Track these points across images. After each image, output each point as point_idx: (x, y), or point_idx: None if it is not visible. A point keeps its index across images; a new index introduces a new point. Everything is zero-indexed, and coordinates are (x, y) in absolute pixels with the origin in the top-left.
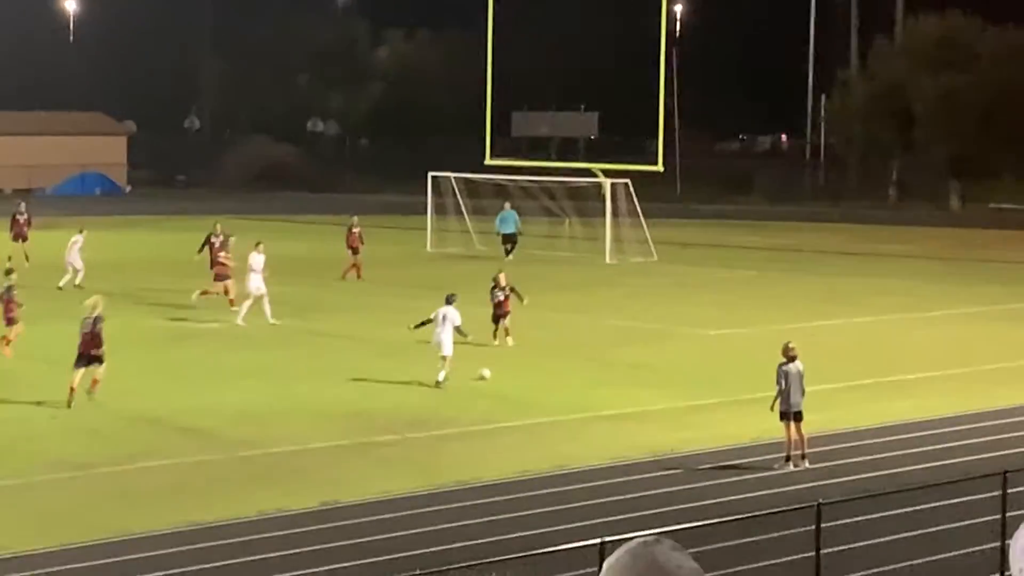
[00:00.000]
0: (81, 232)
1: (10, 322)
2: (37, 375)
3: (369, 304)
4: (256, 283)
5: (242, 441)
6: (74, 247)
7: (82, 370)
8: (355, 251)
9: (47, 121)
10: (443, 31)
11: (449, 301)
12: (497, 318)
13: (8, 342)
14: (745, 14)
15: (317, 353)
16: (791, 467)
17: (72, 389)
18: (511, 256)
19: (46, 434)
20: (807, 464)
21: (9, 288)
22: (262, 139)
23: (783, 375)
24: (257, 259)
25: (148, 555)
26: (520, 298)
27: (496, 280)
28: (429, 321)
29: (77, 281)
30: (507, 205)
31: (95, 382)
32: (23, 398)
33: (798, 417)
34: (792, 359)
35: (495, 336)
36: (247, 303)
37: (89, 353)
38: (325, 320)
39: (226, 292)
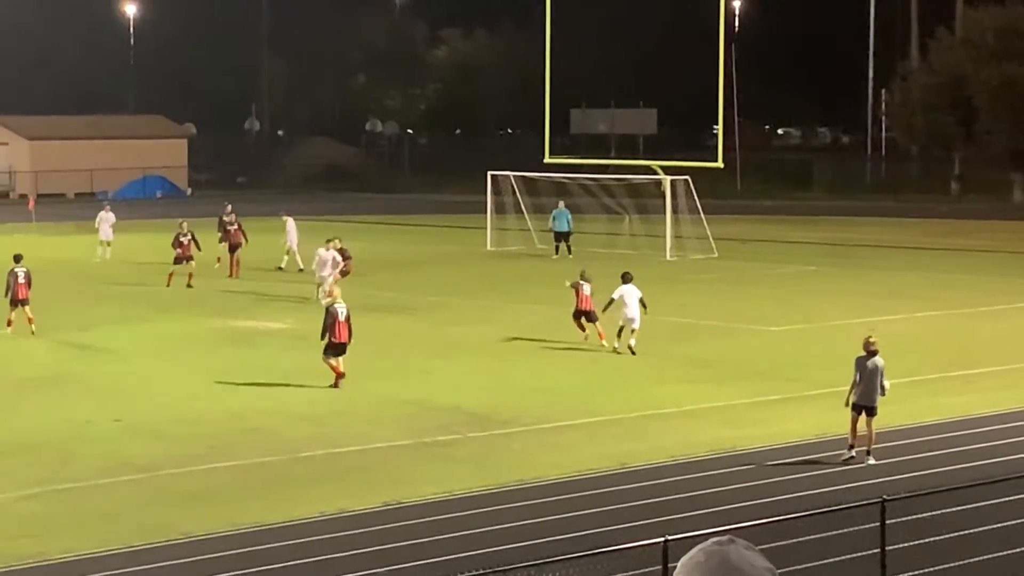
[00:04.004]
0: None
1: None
2: (98, 377)
3: (428, 303)
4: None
5: (303, 441)
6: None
7: (340, 358)
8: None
9: (108, 125)
10: (500, 30)
11: (627, 280)
12: (579, 315)
13: None
14: (803, 7)
15: (376, 353)
16: (852, 453)
17: (340, 374)
18: (571, 254)
19: (109, 436)
20: (872, 460)
21: None
22: (321, 140)
23: (860, 368)
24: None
25: (211, 557)
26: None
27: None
28: (613, 301)
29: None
30: (561, 203)
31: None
32: (87, 401)
33: (871, 412)
34: (872, 353)
35: (615, 339)
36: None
37: (346, 343)
38: (383, 319)
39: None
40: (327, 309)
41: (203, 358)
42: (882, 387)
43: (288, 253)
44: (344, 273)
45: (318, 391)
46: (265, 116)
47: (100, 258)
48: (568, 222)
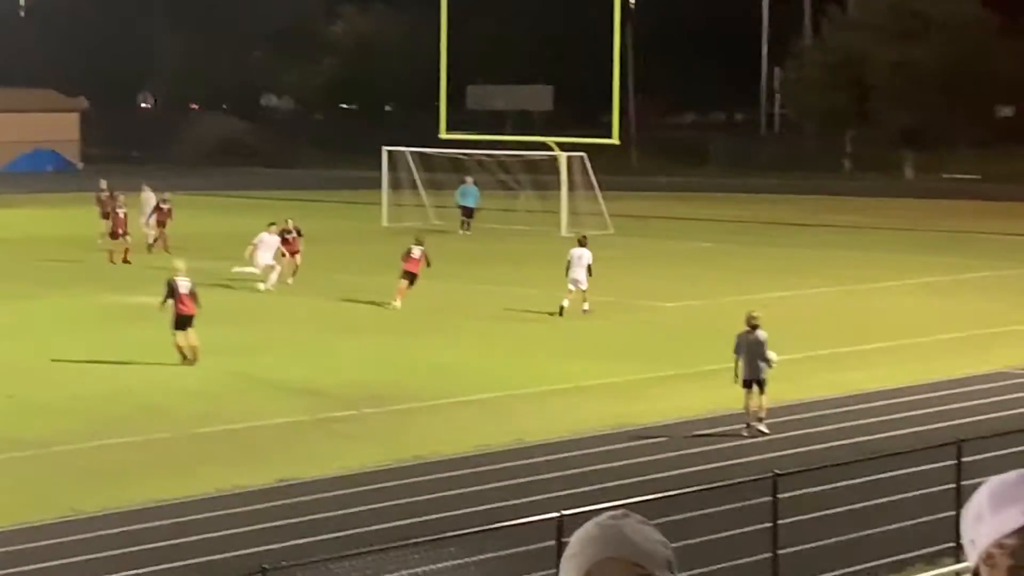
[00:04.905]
0: (270, 227)
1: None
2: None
3: (324, 280)
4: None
5: (198, 418)
6: (260, 245)
7: (185, 332)
8: (162, 225)
9: None
10: (399, 5)
11: (582, 243)
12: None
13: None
14: None
15: (272, 329)
16: (748, 433)
17: (181, 349)
18: (469, 230)
19: (1, 413)
20: (763, 428)
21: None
22: (216, 115)
23: (742, 342)
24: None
25: (104, 534)
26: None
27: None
28: (569, 263)
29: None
30: (468, 179)
31: (195, 348)
32: None
33: (760, 384)
34: (754, 328)
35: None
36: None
37: (191, 315)
38: (280, 296)
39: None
40: (167, 282)
41: (98, 334)
42: (767, 360)
43: (148, 226)
44: (293, 253)
45: (213, 368)
46: (160, 91)
47: None
48: (475, 198)
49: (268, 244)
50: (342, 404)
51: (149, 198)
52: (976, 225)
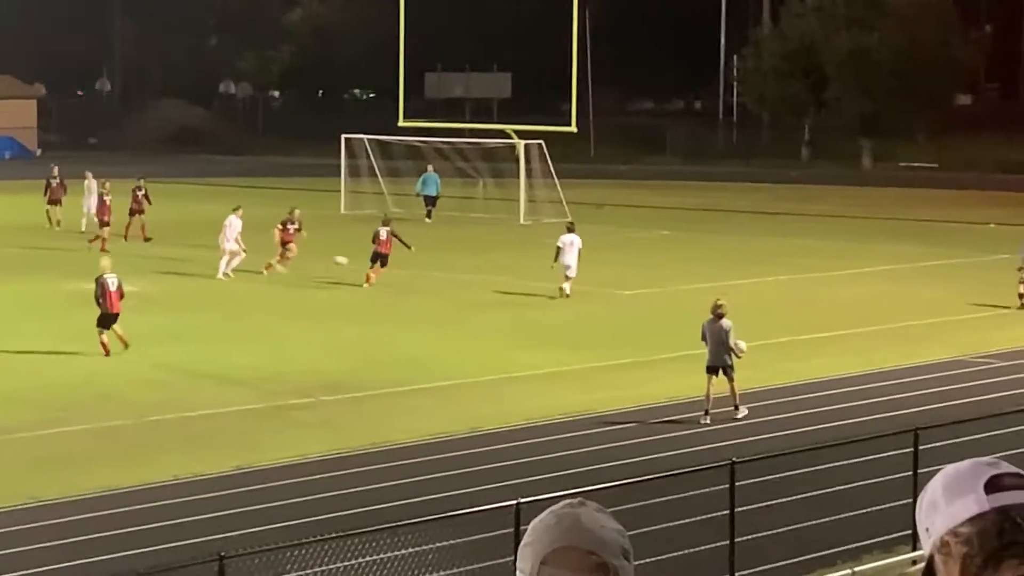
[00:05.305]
0: (236, 211)
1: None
2: None
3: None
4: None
5: (156, 405)
6: (227, 229)
7: (110, 329)
8: (140, 212)
9: None
10: None
11: (571, 229)
12: (376, 258)
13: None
14: None
15: (229, 317)
16: (707, 420)
17: (106, 345)
18: (431, 218)
19: None
20: (743, 412)
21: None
22: (173, 101)
23: (707, 330)
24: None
25: (61, 521)
26: (406, 245)
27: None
28: (559, 249)
29: (234, 264)
30: (430, 167)
31: (123, 336)
32: None
33: (726, 371)
34: (719, 316)
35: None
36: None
37: (117, 313)
38: (237, 283)
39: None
40: (97, 279)
41: (54, 322)
42: (736, 347)
43: (85, 215)
44: (284, 243)
45: (170, 354)
46: (116, 77)
47: None
48: (436, 186)
49: (235, 228)
50: (299, 392)
51: (92, 186)
52: (933, 213)
